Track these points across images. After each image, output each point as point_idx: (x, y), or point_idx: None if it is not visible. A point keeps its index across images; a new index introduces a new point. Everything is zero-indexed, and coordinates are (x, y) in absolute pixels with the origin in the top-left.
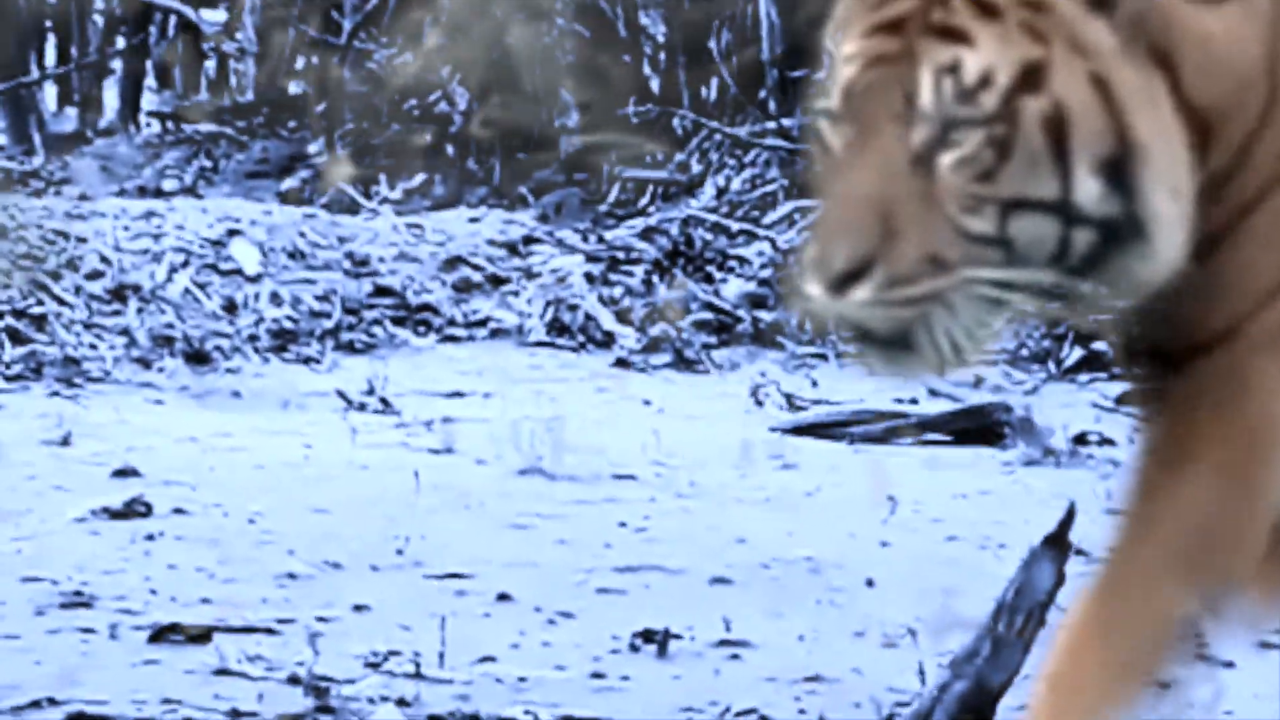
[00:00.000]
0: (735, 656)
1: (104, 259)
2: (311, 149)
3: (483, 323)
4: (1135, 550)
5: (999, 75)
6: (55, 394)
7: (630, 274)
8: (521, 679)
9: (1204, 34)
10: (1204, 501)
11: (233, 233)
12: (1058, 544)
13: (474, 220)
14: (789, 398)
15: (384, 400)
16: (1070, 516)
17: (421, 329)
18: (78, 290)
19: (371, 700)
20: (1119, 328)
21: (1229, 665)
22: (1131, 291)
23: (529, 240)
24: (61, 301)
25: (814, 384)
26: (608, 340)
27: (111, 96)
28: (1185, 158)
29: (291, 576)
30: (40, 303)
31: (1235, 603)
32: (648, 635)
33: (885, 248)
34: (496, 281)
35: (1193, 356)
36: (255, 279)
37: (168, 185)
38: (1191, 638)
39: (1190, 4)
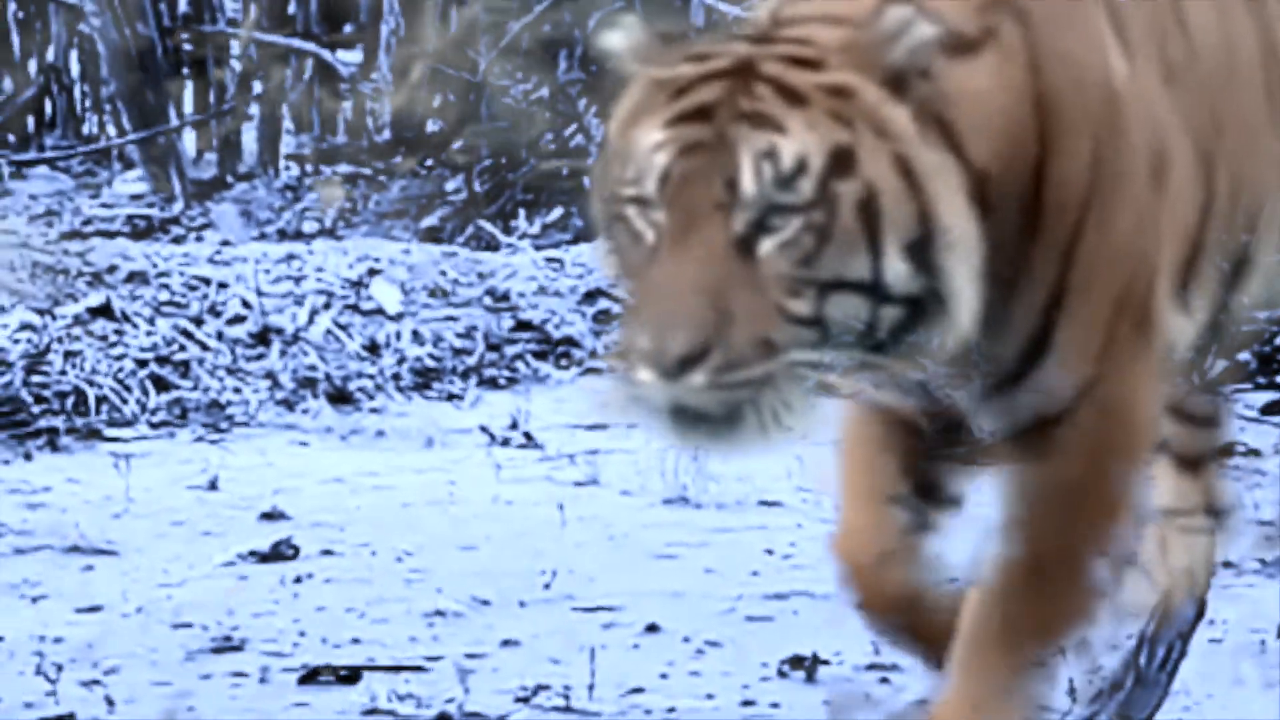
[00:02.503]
0: (885, 680)
1: (246, 303)
2: (449, 186)
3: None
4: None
5: (813, 161)
6: (200, 439)
7: None
8: (671, 709)
9: (972, 92)
10: (1083, 479)
11: (373, 272)
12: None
13: None
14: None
15: (527, 435)
16: (1211, 546)
17: (564, 362)
18: (220, 335)
19: None
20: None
21: None
22: (926, 359)
23: None
24: (205, 347)
25: None
26: None
27: (250, 141)
28: (978, 234)
29: (440, 614)
30: (183, 349)
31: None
32: (796, 661)
33: (720, 333)
34: None
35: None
36: (397, 318)
37: (307, 227)
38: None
39: (953, 62)
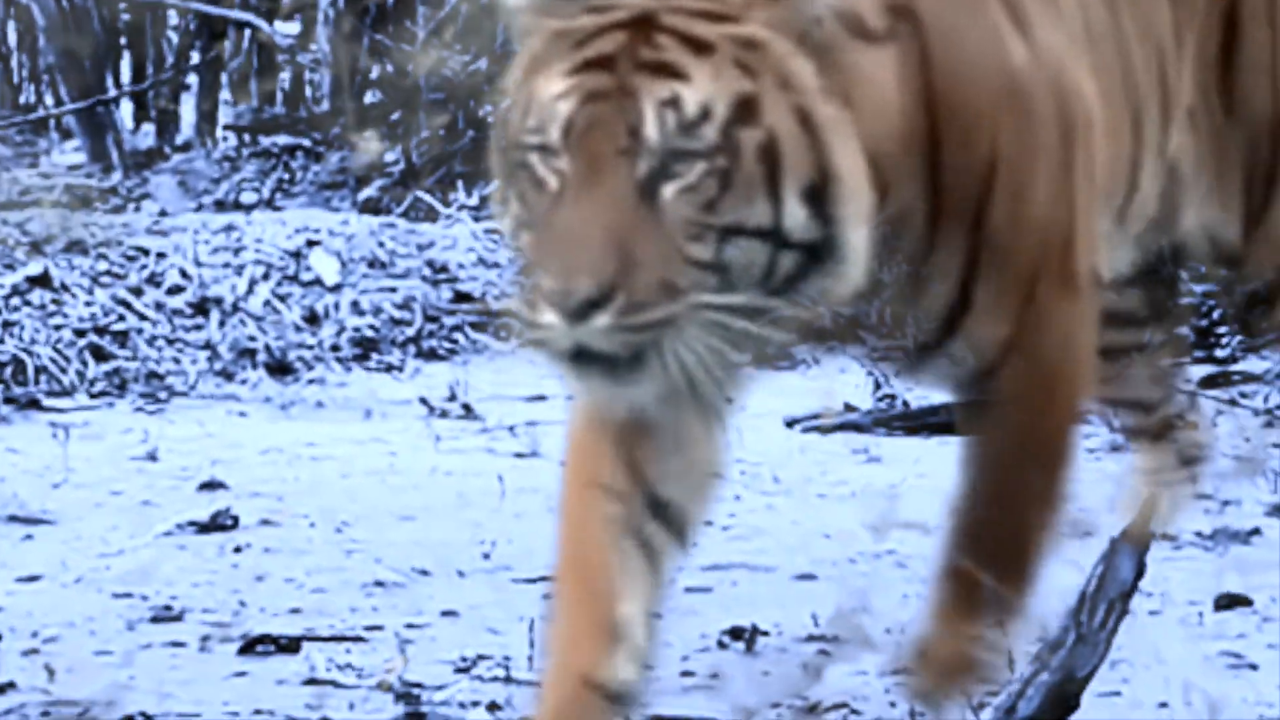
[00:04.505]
0: (824, 651)
1: (185, 274)
2: (388, 158)
3: None
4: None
5: (717, 108)
6: (139, 409)
7: None
8: None
9: (868, 78)
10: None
11: (312, 243)
12: (1138, 535)
13: None
14: (880, 392)
15: (466, 406)
16: (1149, 506)
17: (503, 334)
18: (159, 306)
19: (462, 705)
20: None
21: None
22: (821, 306)
23: None
24: (143, 317)
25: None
26: None
27: (188, 112)
28: (869, 188)
29: (379, 584)
30: (122, 319)
31: None
32: (736, 633)
33: (624, 276)
34: None
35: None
36: (335, 289)
37: (246, 198)
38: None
39: (857, 43)
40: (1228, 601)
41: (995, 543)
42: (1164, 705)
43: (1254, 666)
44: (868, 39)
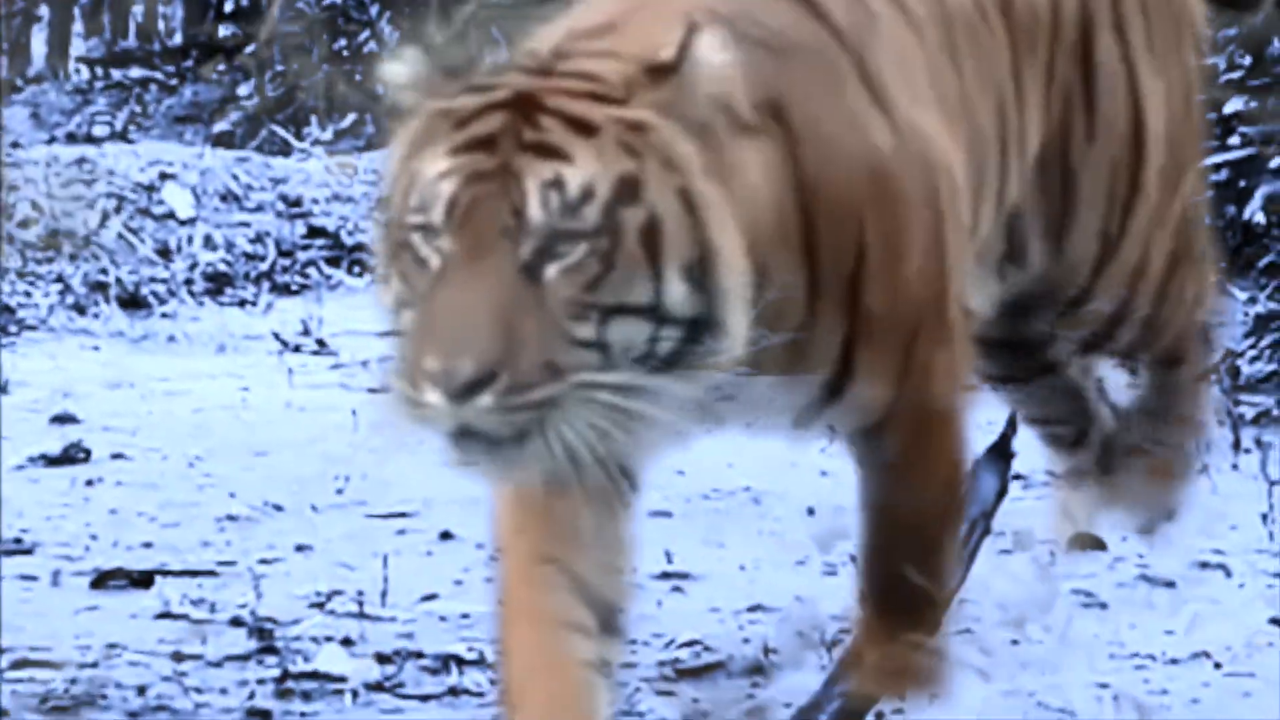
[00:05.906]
0: (677, 589)
1: (36, 206)
2: (241, 91)
3: None
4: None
5: (599, 189)
6: None
7: None
8: (464, 616)
9: (743, 165)
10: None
11: (165, 177)
12: (1000, 454)
13: None
14: None
15: (320, 341)
16: (1012, 426)
17: (356, 269)
18: (11, 239)
19: (315, 640)
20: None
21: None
22: (700, 379)
23: None
24: None
25: None
26: None
27: (39, 44)
28: (747, 263)
29: (232, 519)
30: None
31: None
32: None
33: (507, 356)
34: None
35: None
36: (189, 223)
37: (98, 131)
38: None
39: (732, 135)
40: (1080, 541)
41: (909, 567)
42: (1015, 643)
43: (1104, 605)
44: (741, 131)
